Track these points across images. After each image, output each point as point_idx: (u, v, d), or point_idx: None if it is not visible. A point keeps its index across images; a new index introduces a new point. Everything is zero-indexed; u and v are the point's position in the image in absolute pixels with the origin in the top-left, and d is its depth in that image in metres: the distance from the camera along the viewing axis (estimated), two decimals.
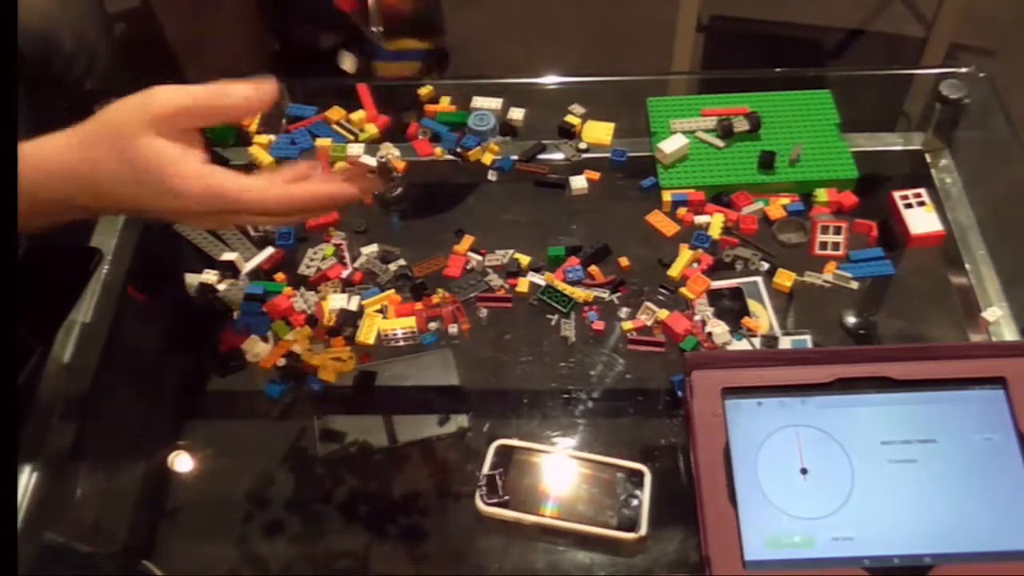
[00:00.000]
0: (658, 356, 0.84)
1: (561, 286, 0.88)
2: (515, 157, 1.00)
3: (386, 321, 0.86)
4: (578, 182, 0.97)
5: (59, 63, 1.08)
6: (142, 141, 0.59)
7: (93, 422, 0.84)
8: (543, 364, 0.84)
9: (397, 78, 0.54)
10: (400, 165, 0.98)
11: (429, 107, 1.05)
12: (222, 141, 1.01)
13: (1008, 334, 0.85)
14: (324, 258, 0.91)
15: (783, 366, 0.75)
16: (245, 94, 0.62)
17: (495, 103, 1.04)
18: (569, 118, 1.03)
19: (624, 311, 0.87)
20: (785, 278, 0.88)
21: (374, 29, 0.57)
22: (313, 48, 1.86)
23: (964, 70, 1.04)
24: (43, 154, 0.61)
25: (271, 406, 0.82)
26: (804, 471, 0.71)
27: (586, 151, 1.01)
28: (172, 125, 0.59)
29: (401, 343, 0.86)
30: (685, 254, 0.90)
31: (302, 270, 0.90)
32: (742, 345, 0.84)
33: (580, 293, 0.88)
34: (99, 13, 1.33)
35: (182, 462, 0.81)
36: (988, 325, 0.86)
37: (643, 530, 0.72)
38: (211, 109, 0.62)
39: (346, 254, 0.92)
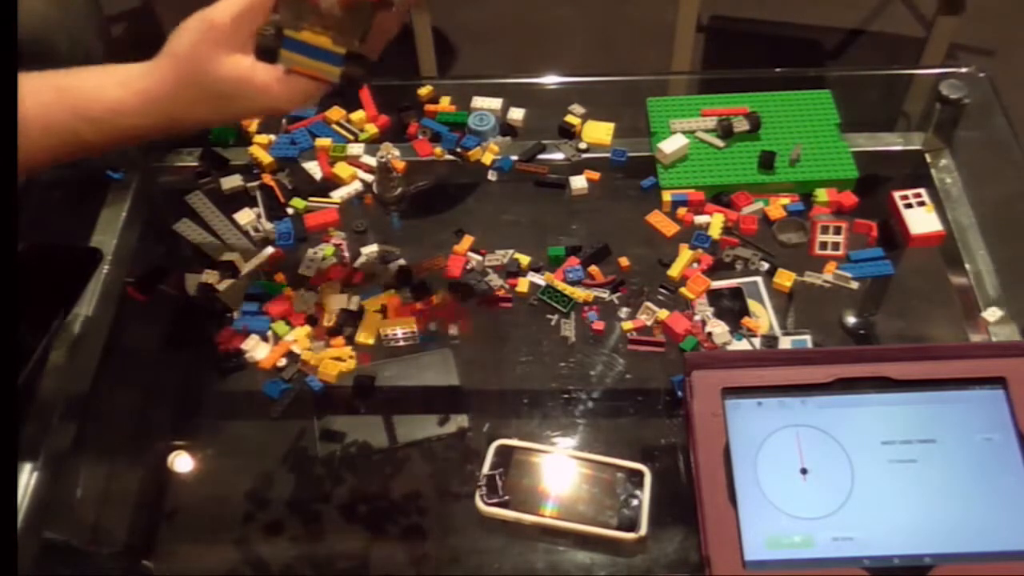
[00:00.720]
0: (658, 356, 0.84)
1: (561, 286, 0.88)
2: (515, 157, 1.00)
3: (386, 321, 0.86)
4: (578, 182, 0.97)
5: (56, 67, 1.08)
6: (217, 64, 0.61)
7: (93, 422, 0.84)
8: (543, 364, 0.84)
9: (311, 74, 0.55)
10: (400, 165, 0.98)
11: (429, 107, 1.05)
12: (222, 141, 1.01)
13: (1008, 334, 0.85)
14: (324, 258, 0.91)
15: (783, 366, 0.75)
16: None
17: (495, 103, 1.04)
18: (569, 118, 1.03)
19: (624, 311, 0.87)
20: (785, 278, 0.88)
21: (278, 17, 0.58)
22: None
23: (964, 70, 1.04)
24: (124, 80, 0.63)
25: (271, 406, 0.82)
26: (804, 471, 0.71)
27: (586, 151, 1.01)
28: (235, 35, 0.61)
29: (401, 343, 0.86)
30: (685, 254, 0.90)
31: (302, 270, 0.90)
32: (742, 345, 0.84)
33: (580, 293, 0.88)
34: (96, 16, 1.33)
35: (182, 462, 0.81)
36: (988, 325, 0.86)
37: (643, 530, 0.72)
38: (263, 4, 0.62)
39: (346, 254, 0.92)
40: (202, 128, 0.68)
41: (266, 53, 0.61)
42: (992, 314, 0.86)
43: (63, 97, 0.65)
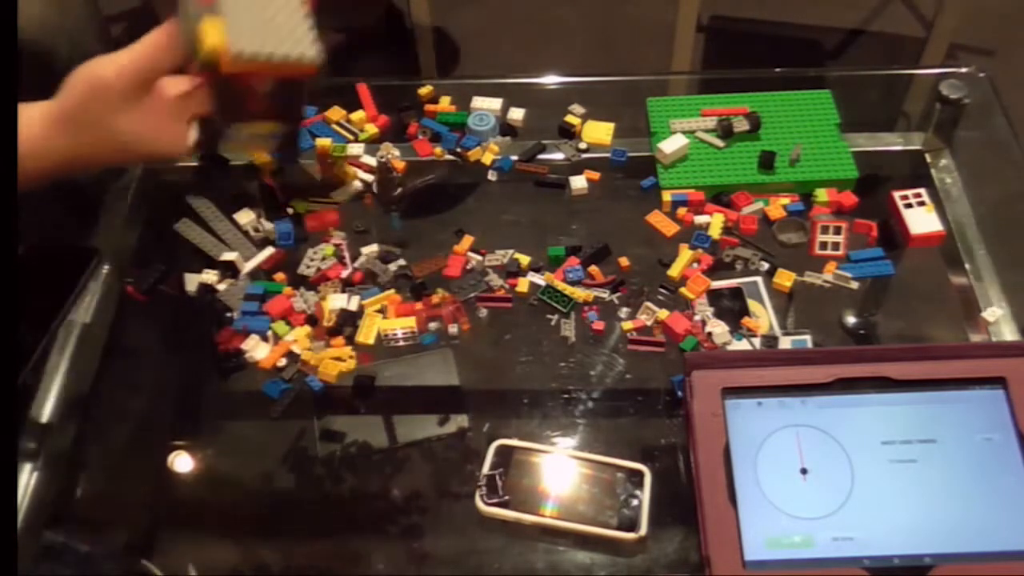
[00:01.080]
0: (658, 356, 0.84)
1: (561, 286, 0.88)
2: (515, 157, 1.00)
3: (386, 321, 0.86)
4: (578, 182, 0.97)
5: (57, 71, 1.09)
6: (108, 122, 0.61)
7: (93, 422, 0.84)
8: (543, 364, 0.84)
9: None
10: (400, 165, 0.98)
11: (429, 107, 1.05)
12: None
13: (1008, 334, 0.85)
14: (324, 258, 0.91)
15: (783, 366, 0.75)
16: (157, 36, 0.60)
17: (495, 103, 1.04)
18: (569, 118, 1.03)
19: (624, 311, 0.87)
20: (785, 278, 0.88)
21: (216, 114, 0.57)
22: None
23: (964, 70, 1.04)
24: (26, 130, 0.62)
25: (271, 406, 0.82)
26: (804, 471, 0.71)
27: (586, 151, 1.01)
28: (124, 90, 0.60)
29: (401, 343, 0.86)
30: (685, 254, 0.90)
31: (302, 270, 0.90)
32: (742, 345, 0.84)
33: (580, 293, 0.88)
34: (96, 18, 1.33)
35: (182, 462, 0.81)
36: (988, 325, 0.86)
37: (643, 530, 0.72)
38: (150, 57, 0.61)
39: (346, 254, 0.92)
40: (92, 173, 0.68)
41: (207, 143, 0.61)
42: (992, 314, 0.86)
43: None
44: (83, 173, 0.69)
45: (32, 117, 0.63)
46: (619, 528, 0.72)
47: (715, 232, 0.92)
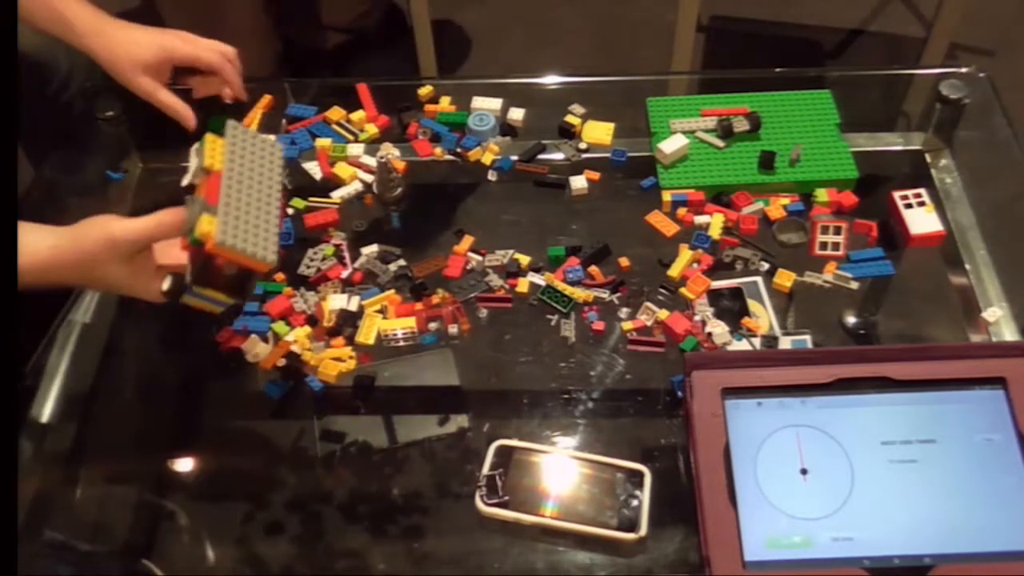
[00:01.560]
0: (658, 356, 0.84)
1: (561, 286, 0.88)
2: (515, 157, 1.00)
3: (386, 321, 0.86)
4: (578, 182, 0.97)
5: (55, 84, 1.09)
6: (107, 270, 0.72)
7: (93, 422, 0.84)
8: (543, 364, 0.84)
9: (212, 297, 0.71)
10: (400, 165, 0.98)
11: (429, 107, 1.05)
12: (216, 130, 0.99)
13: (1008, 334, 0.85)
14: (324, 258, 0.91)
15: (783, 366, 0.75)
16: (168, 216, 0.72)
17: (495, 103, 1.04)
18: (569, 118, 1.03)
19: (624, 311, 0.87)
20: (785, 278, 0.88)
21: (188, 277, 0.72)
22: (316, 49, 1.86)
23: (964, 70, 1.04)
24: (32, 254, 0.72)
25: (271, 406, 0.82)
26: (804, 471, 0.71)
27: (586, 151, 1.01)
28: (128, 251, 0.72)
29: (401, 343, 0.86)
30: (685, 254, 0.90)
31: (302, 270, 0.90)
32: (742, 345, 0.84)
33: (580, 293, 0.88)
34: None
35: (182, 462, 0.81)
36: (988, 325, 0.86)
37: (643, 530, 0.72)
38: (159, 234, 0.73)
39: (346, 254, 0.92)
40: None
41: (173, 297, 0.74)
42: (992, 314, 0.86)
43: None
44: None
45: (41, 245, 0.72)
46: (619, 528, 0.72)
47: (715, 232, 0.92)
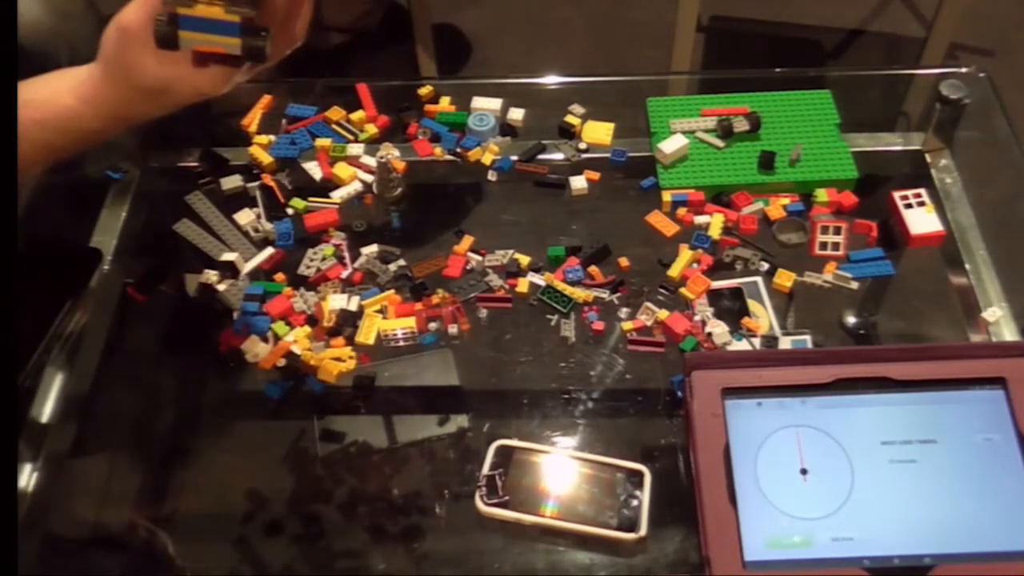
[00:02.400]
0: (658, 356, 0.84)
1: (561, 286, 0.88)
2: (515, 157, 1.00)
3: (386, 321, 0.86)
4: (578, 182, 0.97)
5: None
6: (143, 66, 0.64)
7: (93, 422, 0.84)
8: (543, 364, 0.84)
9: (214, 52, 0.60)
10: (400, 165, 0.98)
11: (429, 107, 1.05)
12: None
13: (1008, 334, 0.85)
14: (324, 258, 0.91)
15: (783, 366, 0.75)
16: None
17: (495, 103, 1.04)
18: (569, 118, 1.03)
19: (624, 311, 0.87)
20: (785, 278, 0.88)
21: None
22: (317, 49, 1.86)
23: (964, 70, 1.04)
24: (73, 87, 0.67)
25: (271, 406, 0.82)
26: (804, 471, 0.71)
27: (586, 151, 1.01)
28: (150, 32, 0.62)
29: (401, 343, 0.86)
30: (685, 254, 0.90)
31: (302, 270, 0.90)
32: (742, 345, 0.84)
33: (580, 293, 0.88)
34: (94, 23, 1.33)
35: (182, 462, 0.81)
36: (988, 325, 0.86)
37: (643, 530, 0.72)
38: None
39: (346, 254, 0.92)
40: (153, 119, 0.72)
41: (166, 41, 0.61)
42: (992, 314, 0.86)
43: (27, 112, 0.68)
44: (137, 123, 0.73)
45: (81, 75, 0.67)
46: (619, 528, 0.72)
47: (715, 232, 0.92)
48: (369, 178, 0.98)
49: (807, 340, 0.84)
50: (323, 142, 1.00)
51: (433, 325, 0.87)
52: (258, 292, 0.88)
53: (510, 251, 0.92)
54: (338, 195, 0.97)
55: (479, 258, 0.91)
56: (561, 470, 0.76)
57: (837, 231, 0.92)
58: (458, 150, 1.01)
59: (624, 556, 0.73)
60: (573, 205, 0.97)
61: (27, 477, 0.79)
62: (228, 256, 0.91)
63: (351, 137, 1.02)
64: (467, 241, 0.93)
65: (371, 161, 0.99)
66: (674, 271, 0.89)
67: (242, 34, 0.62)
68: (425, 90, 1.06)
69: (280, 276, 0.90)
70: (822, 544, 0.68)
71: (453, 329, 0.86)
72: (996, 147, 1.01)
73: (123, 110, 0.69)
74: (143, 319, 0.91)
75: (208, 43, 0.61)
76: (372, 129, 1.03)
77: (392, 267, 0.91)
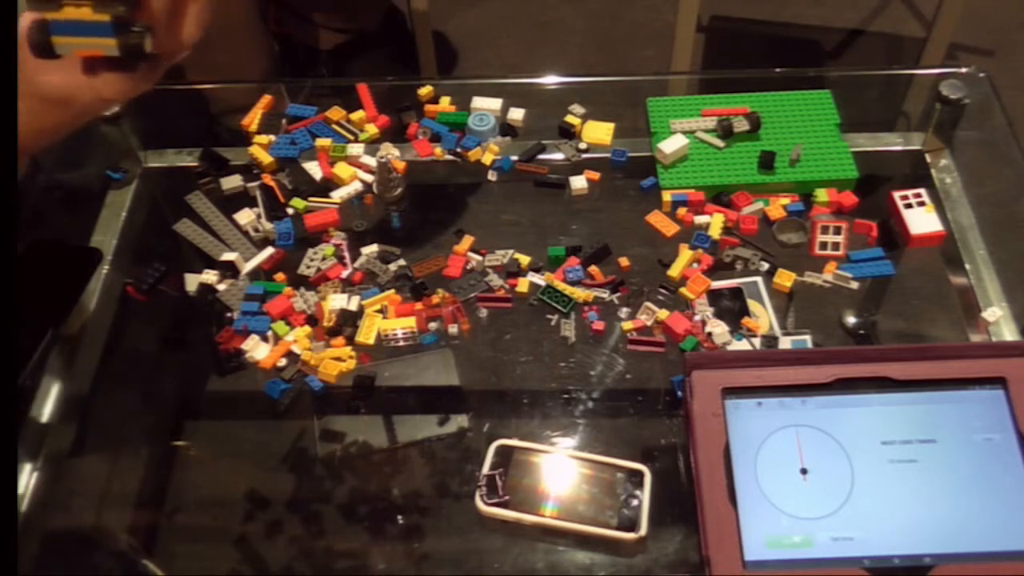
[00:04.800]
0: (658, 356, 0.84)
1: (561, 286, 0.88)
2: (515, 157, 1.00)
3: (386, 321, 0.86)
4: (578, 182, 0.97)
5: None
6: (42, 75, 0.62)
7: (93, 422, 0.84)
8: (543, 364, 0.84)
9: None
10: (400, 165, 0.98)
11: (429, 107, 1.05)
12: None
13: (1008, 334, 0.85)
14: (324, 258, 0.91)
15: (783, 366, 0.75)
16: None
17: (495, 103, 1.04)
18: (569, 118, 1.03)
19: (624, 311, 0.87)
20: (785, 278, 0.88)
21: None
22: (314, 49, 1.86)
23: (964, 70, 1.04)
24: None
25: (271, 406, 0.82)
26: (804, 471, 0.71)
27: (586, 151, 1.01)
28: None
29: (401, 343, 0.86)
30: (685, 254, 0.90)
31: (302, 270, 0.90)
32: (742, 345, 0.84)
33: (580, 293, 0.88)
34: None
35: (182, 462, 0.81)
36: (988, 325, 0.86)
37: (643, 530, 0.72)
38: None
39: (346, 254, 0.92)
40: (76, 128, 0.69)
41: (40, 48, 0.58)
42: (992, 314, 0.86)
43: None
44: (60, 135, 0.69)
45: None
46: (619, 528, 0.72)
47: (715, 232, 0.92)
48: (369, 178, 0.98)
49: (807, 340, 0.84)
50: (323, 142, 1.00)
51: (433, 325, 0.87)
52: (258, 292, 0.88)
53: (510, 251, 0.92)
54: (338, 195, 0.97)
55: (479, 258, 0.91)
56: (561, 470, 0.76)
57: (837, 231, 0.92)
58: (458, 150, 1.01)
59: (624, 556, 0.73)
60: (573, 205, 0.97)
61: (27, 477, 0.79)
62: (228, 256, 0.91)
63: (351, 137, 1.02)
64: (467, 241, 0.93)
65: (371, 161, 0.99)
66: (674, 271, 0.89)
67: (115, 33, 0.58)
68: (425, 90, 1.06)
69: (280, 276, 0.90)
70: (822, 544, 0.68)
71: (453, 329, 0.86)
72: (996, 147, 1.01)
73: (36, 122, 0.66)
74: (143, 319, 0.91)
75: (85, 46, 0.58)
76: (372, 129, 1.03)
77: (392, 267, 0.91)
